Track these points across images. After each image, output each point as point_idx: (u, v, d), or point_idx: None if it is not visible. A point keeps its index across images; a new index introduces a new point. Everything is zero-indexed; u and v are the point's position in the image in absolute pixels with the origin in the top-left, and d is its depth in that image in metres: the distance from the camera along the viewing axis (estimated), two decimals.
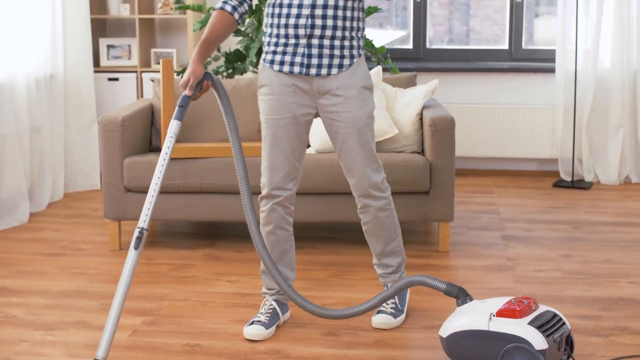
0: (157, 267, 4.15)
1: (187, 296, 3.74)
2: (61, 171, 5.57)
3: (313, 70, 3.15)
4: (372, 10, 5.26)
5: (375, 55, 5.36)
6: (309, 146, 4.69)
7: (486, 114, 6.11)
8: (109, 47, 6.18)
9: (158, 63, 6.12)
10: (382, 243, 3.42)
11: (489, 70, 6.11)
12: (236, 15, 3.18)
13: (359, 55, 3.22)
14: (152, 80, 4.89)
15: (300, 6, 3.10)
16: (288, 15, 3.13)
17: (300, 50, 3.14)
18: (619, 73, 5.87)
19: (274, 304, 3.38)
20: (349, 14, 3.14)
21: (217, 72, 5.33)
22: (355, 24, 3.18)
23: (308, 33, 3.11)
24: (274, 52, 3.20)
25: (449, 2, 6.59)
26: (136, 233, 2.91)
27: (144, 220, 2.94)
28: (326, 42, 3.13)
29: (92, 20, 6.09)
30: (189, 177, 4.33)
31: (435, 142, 4.25)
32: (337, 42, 3.14)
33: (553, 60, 6.13)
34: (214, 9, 3.20)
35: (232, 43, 6.08)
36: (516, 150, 6.13)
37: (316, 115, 3.30)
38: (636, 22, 5.81)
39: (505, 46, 6.37)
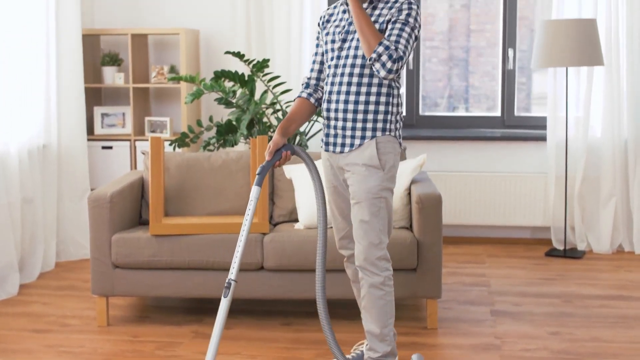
0: (142, 345, 4.13)
1: None
2: (53, 241, 5.59)
3: (331, 148, 3.56)
4: None
5: None
6: (296, 220, 4.71)
7: (479, 181, 6.12)
8: (104, 115, 6.23)
9: (152, 131, 6.16)
10: (373, 324, 3.49)
11: (482, 138, 6.14)
12: (312, 100, 3.64)
13: (372, 136, 3.46)
14: (143, 153, 4.92)
15: (327, 92, 3.54)
16: (324, 100, 3.59)
17: (326, 129, 3.58)
18: (609, 141, 5.90)
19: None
20: (362, 98, 3.44)
21: (208, 144, 5.37)
22: (372, 107, 3.45)
23: (327, 115, 3.54)
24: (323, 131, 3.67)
25: (448, 58, 6.64)
26: (225, 283, 3.32)
27: (232, 272, 3.27)
28: (339, 123, 3.49)
29: (87, 89, 6.15)
30: (175, 254, 4.34)
31: (423, 219, 4.26)
32: (349, 124, 3.46)
33: (545, 127, 6.16)
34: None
35: (224, 114, 6.12)
36: (509, 218, 6.14)
37: None
38: (626, 90, 5.85)
39: (498, 113, 6.42)
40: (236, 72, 5.32)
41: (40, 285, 5.23)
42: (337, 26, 3.54)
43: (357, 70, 3.43)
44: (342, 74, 3.45)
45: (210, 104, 6.33)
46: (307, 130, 5.58)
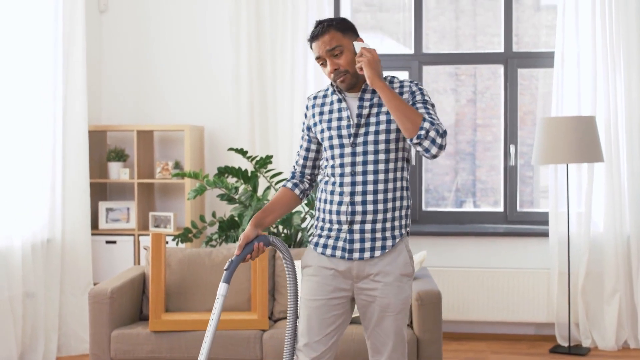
0: None
1: None
2: (54, 336, 5.57)
3: (356, 255, 3.22)
4: None
5: None
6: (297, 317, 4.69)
7: (481, 277, 6.11)
8: (108, 210, 6.28)
9: (156, 226, 6.19)
10: None
11: (484, 233, 6.15)
12: (297, 191, 3.40)
13: (401, 235, 3.24)
14: (145, 249, 4.95)
15: (341, 194, 3.22)
16: (332, 202, 3.25)
17: (342, 235, 3.23)
18: (612, 237, 5.90)
19: None
20: (390, 195, 3.21)
21: (210, 239, 5.40)
22: (397, 203, 3.24)
23: (349, 219, 3.21)
24: (320, 236, 3.31)
25: (454, 152, 6.70)
26: None
27: None
28: (368, 226, 3.20)
29: (93, 184, 6.22)
30: (174, 350, 4.32)
31: (422, 317, 4.25)
32: (378, 225, 3.21)
33: (548, 223, 6.17)
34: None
35: (227, 210, 6.17)
36: (512, 314, 6.10)
37: (352, 298, 3.31)
38: (627, 186, 5.89)
39: (501, 209, 6.44)
40: (239, 169, 5.39)
41: None
42: (339, 119, 3.28)
43: (381, 167, 3.21)
44: (365, 172, 3.21)
45: (213, 199, 6.38)
46: (308, 226, 5.61)
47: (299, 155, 3.47)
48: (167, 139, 6.54)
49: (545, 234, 6.09)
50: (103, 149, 6.48)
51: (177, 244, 5.56)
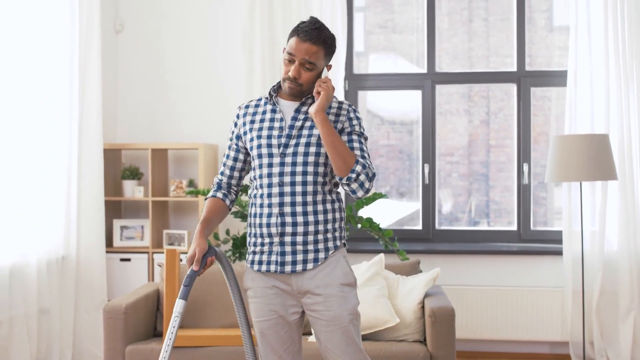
0: None
1: None
2: (69, 353, 5.58)
3: (288, 268, 3.17)
4: (377, 196, 5.37)
5: (383, 239, 5.42)
6: (310, 333, 4.69)
7: (495, 295, 6.10)
8: (123, 227, 6.31)
9: (170, 244, 6.22)
10: None
11: (498, 252, 6.14)
12: (227, 202, 3.34)
13: (335, 247, 3.22)
14: (160, 265, 4.97)
15: (270, 205, 3.19)
16: (261, 215, 3.22)
17: (275, 248, 3.19)
18: (626, 255, 5.88)
19: None
20: (320, 207, 3.19)
21: None
22: (330, 215, 3.22)
23: (279, 231, 3.17)
24: (254, 252, 3.27)
25: (468, 173, 6.71)
26: None
27: None
28: (299, 238, 3.17)
29: (107, 202, 6.26)
30: None
31: (436, 333, 4.25)
32: (310, 237, 3.18)
33: (562, 241, 6.16)
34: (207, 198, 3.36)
35: (240, 228, 6.20)
36: (526, 333, 6.08)
37: (303, 312, 3.28)
38: None
39: (514, 227, 6.44)
40: None
41: None
42: (270, 128, 3.26)
43: (310, 178, 3.18)
44: (293, 183, 3.17)
45: (227, 217, 6.40)
46: None
47: (224, 165, 3.39)
48: (181, 157, 6.58)
49: (559, 253, 6.08)
50: (118, 167, 6.52)
51: None
